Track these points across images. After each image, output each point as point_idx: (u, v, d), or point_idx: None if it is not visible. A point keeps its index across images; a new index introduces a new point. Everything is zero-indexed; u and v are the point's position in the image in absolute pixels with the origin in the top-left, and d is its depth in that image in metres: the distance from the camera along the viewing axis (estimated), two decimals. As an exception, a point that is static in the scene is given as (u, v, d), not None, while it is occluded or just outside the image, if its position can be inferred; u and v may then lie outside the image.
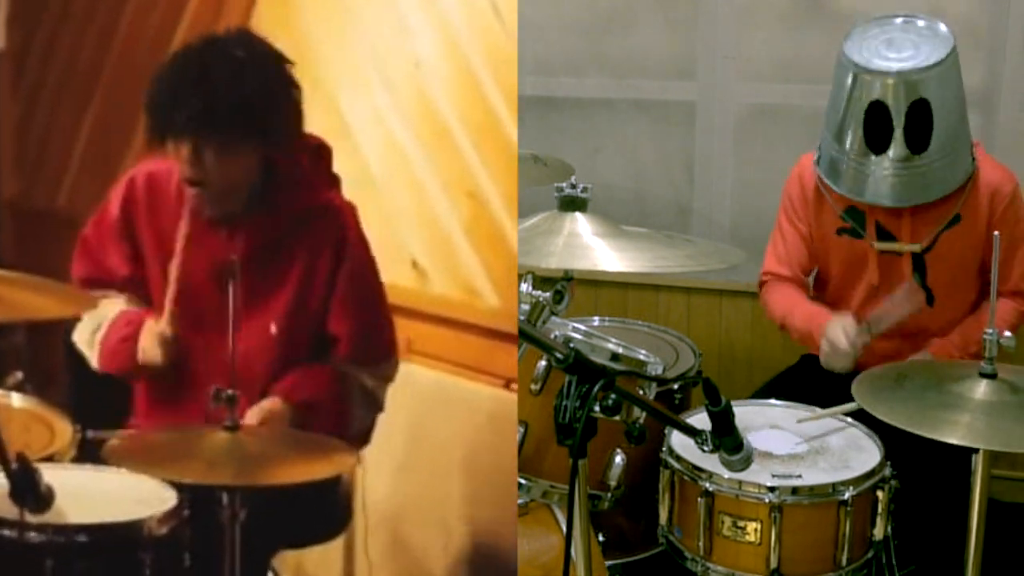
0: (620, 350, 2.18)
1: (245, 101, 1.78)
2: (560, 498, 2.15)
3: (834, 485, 2.05)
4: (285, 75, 1.78)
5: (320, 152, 1.82)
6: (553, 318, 2.05)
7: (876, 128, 2.42)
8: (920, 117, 2.39)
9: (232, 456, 1.77)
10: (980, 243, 2.53)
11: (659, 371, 2.19)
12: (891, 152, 2.41)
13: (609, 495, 2.17)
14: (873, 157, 2.44)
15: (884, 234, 2.57)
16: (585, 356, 1.63)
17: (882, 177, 2.46)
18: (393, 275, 1.79)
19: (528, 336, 1.67)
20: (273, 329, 1.83)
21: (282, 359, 1.84)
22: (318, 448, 1.82)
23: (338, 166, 1.83)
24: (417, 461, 1.83)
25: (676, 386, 2.52)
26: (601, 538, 2.46)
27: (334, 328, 1.85)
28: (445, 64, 1.71)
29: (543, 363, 2.09)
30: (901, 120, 2.38)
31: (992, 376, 1.96)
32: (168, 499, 1.73)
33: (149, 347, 1.83)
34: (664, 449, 2.19)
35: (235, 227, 1.83)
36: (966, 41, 2.49)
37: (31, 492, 1.60)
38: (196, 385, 1.84)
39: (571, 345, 1.67)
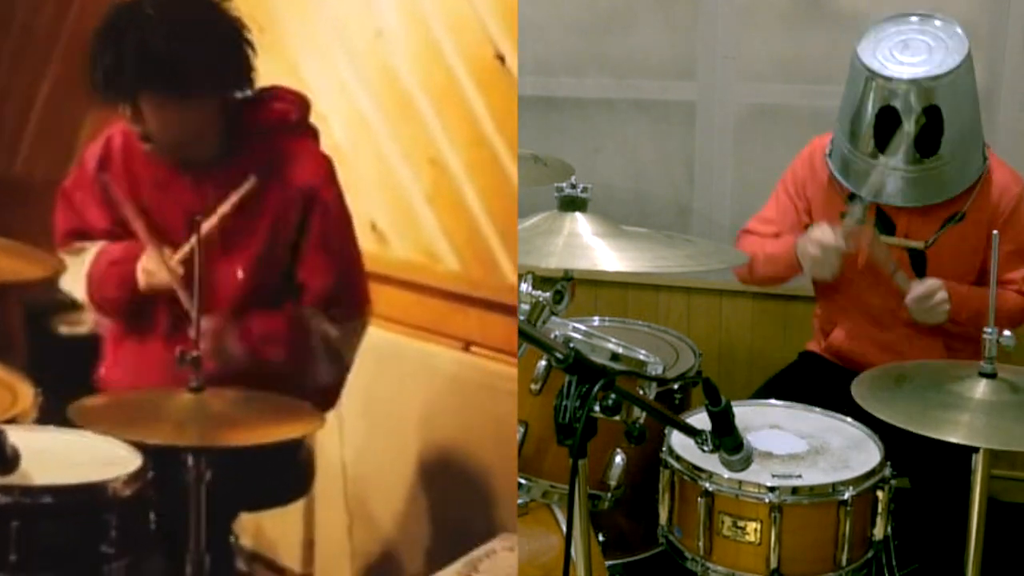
0: (620, 350, 2.18)
1: (177, 53, 1.77)
2: (560, 498, 2.15)
3: (834, 485, 2.05)
4: (224, 20, 1.76)
5: (297, 104, 1.80)
6: (553, 318, 2.05)
7: (887, 131, 2.43)
8: (931, 122, 2.40)
9: (197, 417, 1.77)
10: (982, 242, 2.53)
11: (659, 371, 2.19)
12: (901, 154, 2.43)
13: (609, 495, 2.17)
14: (883, 158, 2.46)
15: (885, 223, 2.58)
16: (585, 356, 1.63)
17: (892, 177, 2.47)
18: None
19: (528, 336, 1.67)
20: (240, 274, 1.82)
21: (246, 304, 1.83)
22: (283, 410, 1.81)
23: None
24: (377, 423, 1.82)
25: (676, 386, 2.53)
26: (601, 538, 2.46)
27: (301, 277, 1.84)
28: (406, 32, 1.71)
29: (543, 363, 2.09)
30: (912, 126, 2.40)
31: (992, 376, 1.96)
32: (133, 461, 1.73)
33: (154, 268, 1.82)
34: (664, 449, 2.19)
35: (203, 175, 1.82)
36: (966, 41, 2.50)
37: None
38: (162, 341, 1.83)
39: (571, 345, 1.67)
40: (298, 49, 1.79)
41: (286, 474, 1.86)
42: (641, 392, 2.12)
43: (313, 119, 1.80)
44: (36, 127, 1.88)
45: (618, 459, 2.16)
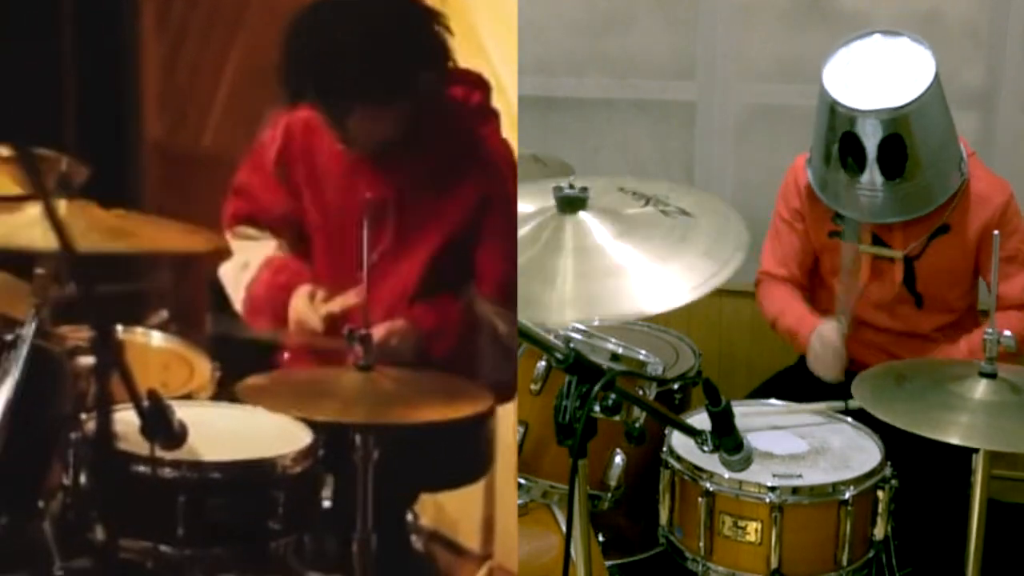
0: (620, 350, 2.18)
1: (379, 58, 1.72)
2: (560, 498, 2.15)
3: (834, 485, 2.05)
4: (419, 12, 1.70)
5: (478, 87, 1.74)
6: (553, 318, 2.05)
7: (857, 155, 2.42)
8: (899, 147, 2.38)
9: (365, 395, 1.74)
10: (970, 252, 2.54)
11: (659, 371, 2.19)
12: (870, 178, 2.42)
13: (609, 495, 2.17)
14: (857, 178, 2.45)
15: (878, 241, 2.58)
16: (585, 356, 1.63)
17: (867, 196, 2.47)
18: None
19: (528, 336, 1.67)
20: (425, 261, 1.79)
21: (424, 292, 1.80)
22: (452, 390, 1.78)
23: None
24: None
25: (676, 386, 2.52)
26: (601, 538, 2.46)
27: (480, 265, 1.79)
28: None
29: (543, 363, 2.09)
30: (875, 151, 2.38)
31: (992, 376, 1.96)
32: (302, 438, 1.72)
33: (303, 310, 1.79)
34: (665, 449, 2.19)
35: (388, 166, 1.78)
36: (966, 41, 2.50)
37: (163, 428, 1.60)
38: (341, 326, 1.79)
39: (571, 345, 1.67)
40: (484, 28, 1.72)
41: (463, 454, 1.82)
42: (641, 392, 2.12)
43: (494, 102, 1.75)
44: (223, 105, 1.84)
45: (618, 459, 2.16)
